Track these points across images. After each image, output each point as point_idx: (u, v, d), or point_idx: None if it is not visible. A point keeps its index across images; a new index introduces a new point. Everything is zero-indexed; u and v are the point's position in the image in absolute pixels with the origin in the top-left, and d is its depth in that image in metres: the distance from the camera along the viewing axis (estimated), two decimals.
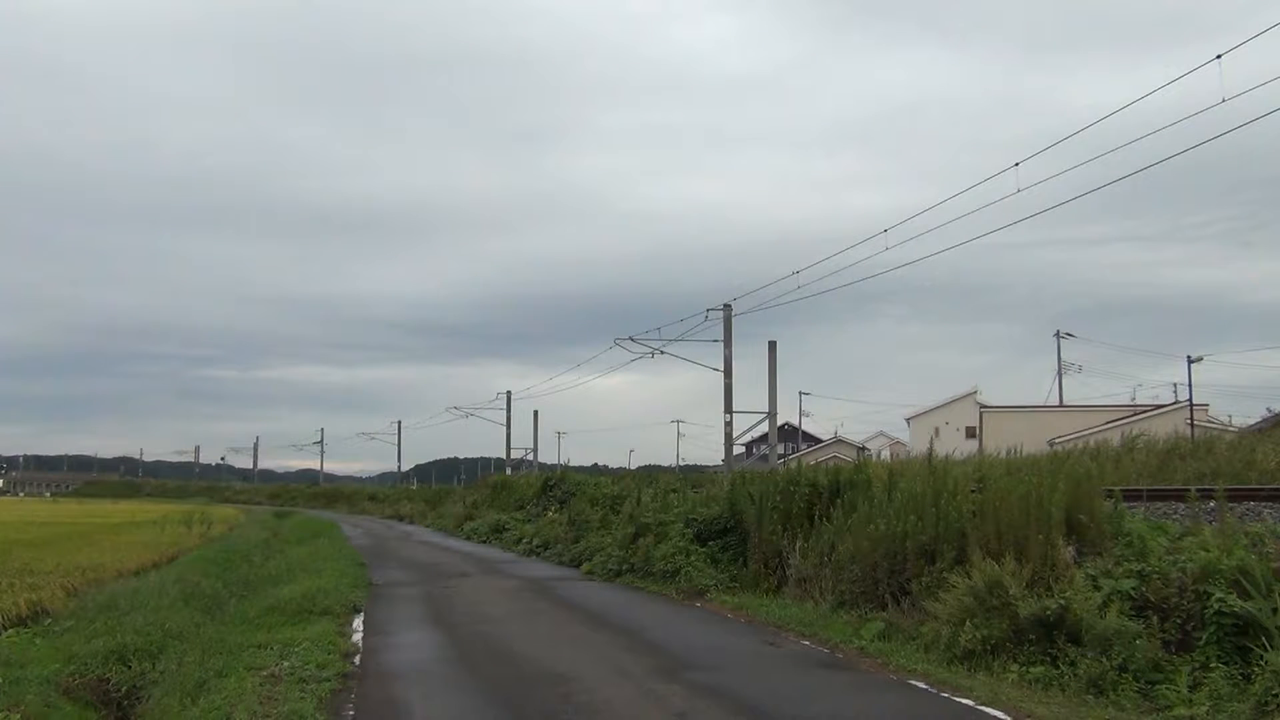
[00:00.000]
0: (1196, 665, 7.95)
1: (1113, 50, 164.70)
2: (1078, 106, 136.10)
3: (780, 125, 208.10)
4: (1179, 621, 8.39)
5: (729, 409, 28.94)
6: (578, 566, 20.65)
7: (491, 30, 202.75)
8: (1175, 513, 14.66)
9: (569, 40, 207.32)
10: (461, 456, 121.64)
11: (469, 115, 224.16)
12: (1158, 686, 7.89)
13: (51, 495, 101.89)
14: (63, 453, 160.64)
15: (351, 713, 7.84)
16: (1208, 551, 8.77)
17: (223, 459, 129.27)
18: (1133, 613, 8.63)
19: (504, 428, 56.51)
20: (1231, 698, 7.36)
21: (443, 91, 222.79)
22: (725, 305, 29.22)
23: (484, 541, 30.33)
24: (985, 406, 54.40)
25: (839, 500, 14.11)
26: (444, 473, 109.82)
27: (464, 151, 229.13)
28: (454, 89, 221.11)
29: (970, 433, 51.58)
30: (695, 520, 17.64)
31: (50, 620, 12.90)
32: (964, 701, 8.05)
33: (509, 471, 52.16)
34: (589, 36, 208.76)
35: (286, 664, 9.27)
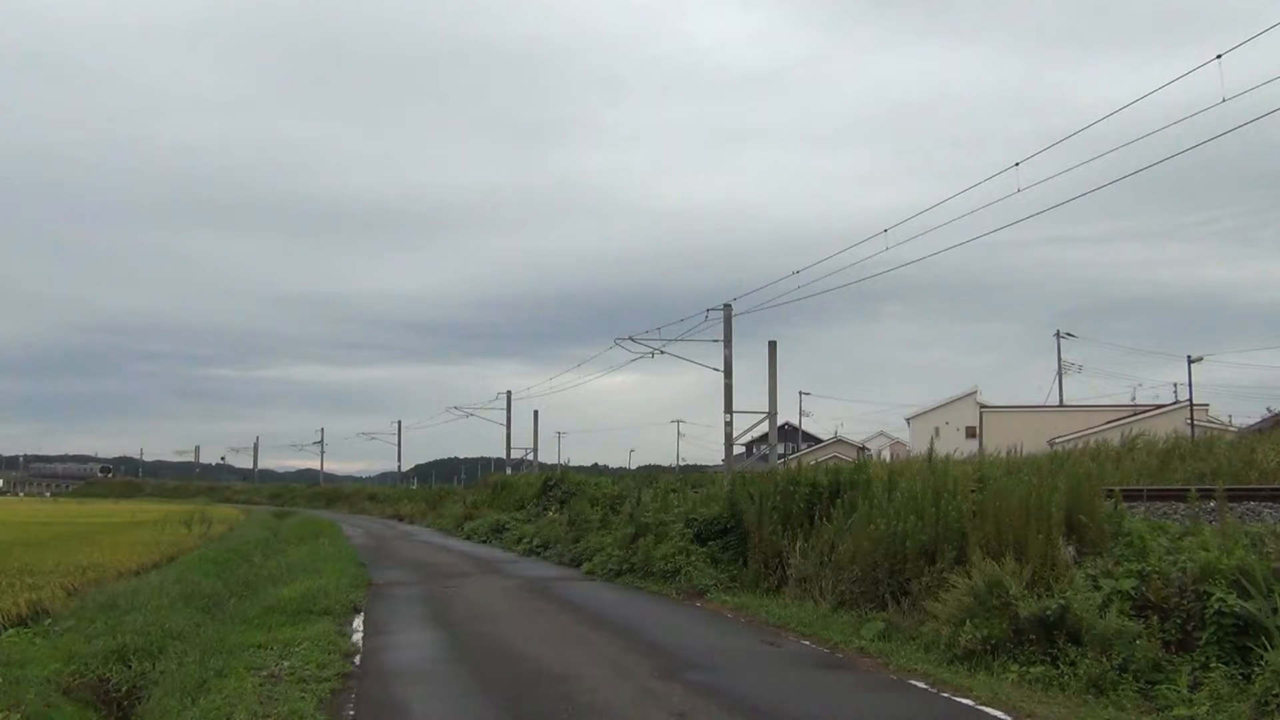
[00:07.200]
0: (1196, 665, 7.95)
1: (1121, 48, 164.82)
2: (1085, 104, 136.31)
3: (784, 123, 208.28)
4: (1179, 621, 8.39)
5: (729, 409, 28.92)
6: (578, 566, 20.65)
7: (493, 27, 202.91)
8: (1175, 513, 14.67)
9: (572, 36, 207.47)
10: (461, 456, 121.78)
11: (470, 113, 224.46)
12: (1158, 686, 7.90)
13: (51, 495, 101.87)
14: (63, 453, 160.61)
15: (351, 713, 7.84)
16: (1208, 551, 8.77)
17: (223, 459, 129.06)
18: (1133, 613, 8.63)
19: (504, 428, 56.54)
20: (1231, 698, 7.36)
21: (444, 89, 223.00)
22: (725, 305, 29.20)
23: (484, 541, 30.33)
24: (985, 406, 54.40)
25: (839, 500, 14.11)
26: (444, 473, 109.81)
27: (465, 149, 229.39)
28: (455, 87, 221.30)
29: (970, 433, 51.55)
30: (695, 520, 17.64)
31: (50, 620, 12.88)
32: (964, 701, 8.05)
33: (509, 471, 52.16)
34: (593, 32, 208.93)
35: (286, 664, 9.28)
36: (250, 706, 7.61)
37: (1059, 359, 59.39)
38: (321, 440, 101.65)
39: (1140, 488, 18.84)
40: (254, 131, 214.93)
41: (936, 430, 52.04)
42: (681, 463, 79.43)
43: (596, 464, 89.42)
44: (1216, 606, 8.02)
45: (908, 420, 63.08)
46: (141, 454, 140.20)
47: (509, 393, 56.91)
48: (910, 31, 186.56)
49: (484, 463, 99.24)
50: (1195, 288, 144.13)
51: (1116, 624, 8.42)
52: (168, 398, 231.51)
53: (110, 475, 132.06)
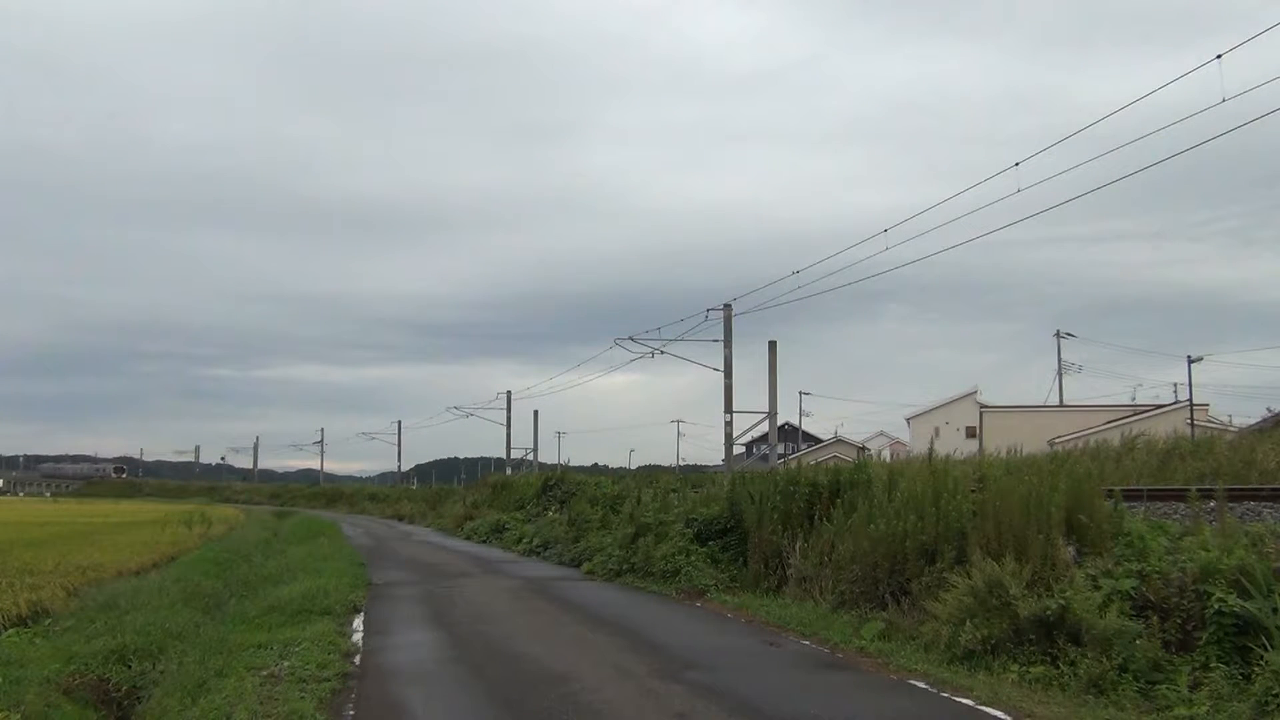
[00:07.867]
0: (1196, 665, 7.95)
1: (1121, 48, 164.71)
2: (1085, 104, 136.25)
3: (785, 122, 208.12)
4: (1179, 621, 8.39)
5: (729, 409, 28.94)
6: (578, 566, 20.64)
7: (496, 26, 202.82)
8: (1175, 513, 14.65)
9: (573, 36, 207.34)
10: (461, 456, 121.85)
11: (472, 112, 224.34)
12: (1158, 686, 7.90)
13: (51, 495, 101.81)
14: (63, 452, 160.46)
15: (352, 713, 7.84)
16: (1208, 551, 8.77)
17: (223, 459, 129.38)
18: (1133, 613, 8.63)
19: (504, 428, 56.67)
20: (1231, 698, 7.36)
21: (446, 89, 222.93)
22: (725, 305, 29.25)
23: (484, 541, 30.32)
24: (985, 406, 54.41)
25: (839, 500, 14.10)
26: (444, 473, 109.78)
27: (466, 149, 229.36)
28: (457, 86, 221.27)
29: (970, 432, 51.58)
30: (695, 520, 17.64)
31: (50, 620, 12.90)
32: (964, 701, 8.05)
33: (509, 471, 52.21)
34: (593, 32, 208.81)
35: (286, 664, 9.28)
36: (250, 706, 7.61)
37: (1059, 359, 59.49)
38: (321, 440, 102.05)
39: (1140, 488, 18.81)
40: (254, 131, 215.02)
41: (936, 430, 52.08)
42: (681, 463, 79.62)
43: (596, 464, 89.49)
44: (1216, 606, 8.02)
45: (908, 420, 63.13)
46: (141, 454, 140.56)
47: (509, 393, 57.08)
48: (911, 31, 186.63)
49: (484, 463, 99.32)
50: (1195, 288, 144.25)
51: (1116, 624, 8.41)
52: (168, 398, 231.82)
53: (123, 474, 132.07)
